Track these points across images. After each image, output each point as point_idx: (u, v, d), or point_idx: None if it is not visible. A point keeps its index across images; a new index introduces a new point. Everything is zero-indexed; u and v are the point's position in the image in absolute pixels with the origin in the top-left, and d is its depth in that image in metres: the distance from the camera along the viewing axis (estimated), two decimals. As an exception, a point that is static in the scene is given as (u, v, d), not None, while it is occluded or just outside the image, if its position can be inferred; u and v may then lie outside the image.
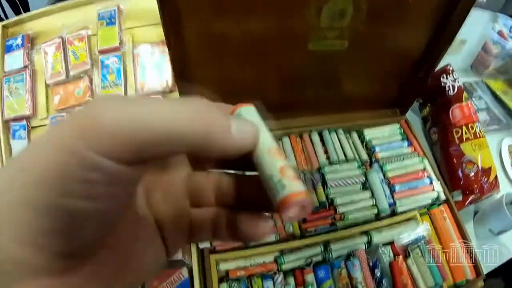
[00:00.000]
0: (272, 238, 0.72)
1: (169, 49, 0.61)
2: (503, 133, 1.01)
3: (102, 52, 0.92)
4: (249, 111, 0.22)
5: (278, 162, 0.19)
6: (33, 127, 0.91)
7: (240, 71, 0.70)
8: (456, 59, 0.96)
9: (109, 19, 0.94)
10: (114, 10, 0.94)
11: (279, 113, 0.81)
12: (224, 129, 0.18)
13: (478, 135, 0.88)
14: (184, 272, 0.76)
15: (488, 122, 1.01)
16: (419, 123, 0.98)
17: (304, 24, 0.63)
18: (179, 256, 0.76)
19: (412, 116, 0.93)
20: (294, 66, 0.72)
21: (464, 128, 0.88)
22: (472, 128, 0.89)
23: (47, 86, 0.93)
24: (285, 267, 0.70)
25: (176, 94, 0.84)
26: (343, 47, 0.69)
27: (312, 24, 0.63)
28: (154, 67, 0.91)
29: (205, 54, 0.66)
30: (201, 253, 0.72)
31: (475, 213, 0.88)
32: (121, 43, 0.93)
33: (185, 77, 0.68)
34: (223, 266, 0.70)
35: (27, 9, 1.48)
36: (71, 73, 0.92)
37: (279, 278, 0.69)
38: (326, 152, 0.81)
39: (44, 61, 0.94)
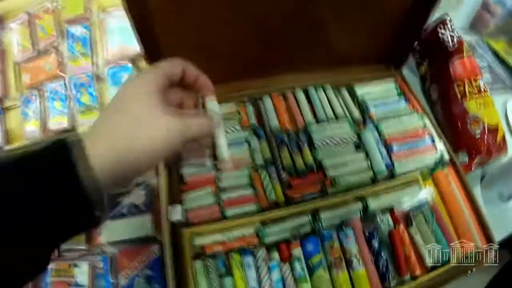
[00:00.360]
0: (252, 207, 0.59)
1: (129, 14, 0.51)
2: (507, 94, 0.89)
3: (69, 22, 0.85)
4: (213, 104, 0.43)
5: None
6: (5, 108, 0.83)
7: (213, 32, 0.58)
8: (454, 16, 0.84)
9: None
10: None
11: (259, 72, 0.69)
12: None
13: (482, 91, 0.76)
14: (156, 249, 0.64)
15: (491, 82, 0.89)
16: (417, 84, 0.85)
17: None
18: (149, 232, 0.64)
19: (410, 77, 0.81)
20: (275, 18, 0.60)
21: (466, 82, 0.76)
22: (476, 83, 0.76)
23: (16, 64, 0.85)
24: (267, 240, 0.58)
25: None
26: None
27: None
28: (122, 33, 0.81)
29: (171, 16, 0.55)
30: (173, 227, 0.59)
31: (482, 177, 0.76)
32: (88, 11, 0.84)
33: (152, 45, 0.57)
34: (198, 241, 0.58)
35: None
36: (40, 48, 0.84)
37: (261, 253, 0.56)
38: (313, 111, 0.68)
39: (12, 39, 0.86)
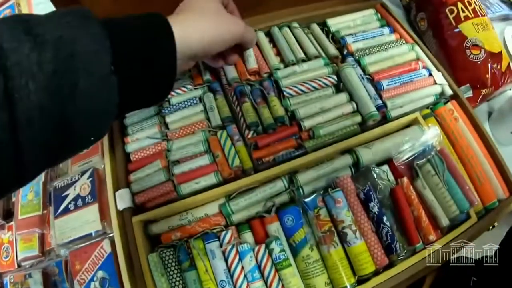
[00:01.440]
0: (211, 179, 0.41)
1: None
2: (502, 23, 0.70)
3: None
4: None
5: None
6: None
7: None
8: None
9: None
10: None
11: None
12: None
13: (478, 13, 0.57)
14: (106, 245, 0.46)
15: (484, 9, 0.69)
16: (401, 17, 0.65)
17: None
18: (97, 226, 0.46)
19: (391, 8, 0.61)
20: None
21: (459, 4, 0.57)
22: (470, 4, 0.57)
23: None
24: (236, 218, 0.40)
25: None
26: None
27: None
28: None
29: None
30: (122, 216, 0.41)
31: (489, 113, 0.57)
32: None
33: None
34: (153, 229, 0.40)
35: None
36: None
37: (227, 235, 0.38)
38: (278, 54, 0.49)
39: None
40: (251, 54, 0.48)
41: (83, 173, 0.49)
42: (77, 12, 0.23)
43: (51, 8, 0.42)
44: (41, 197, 0.48)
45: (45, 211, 0.48)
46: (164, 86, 0.31)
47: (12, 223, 0.51)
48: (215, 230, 0.40)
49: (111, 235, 0.45)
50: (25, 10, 0.63)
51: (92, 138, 0.25)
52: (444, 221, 0.41)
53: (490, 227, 0.47)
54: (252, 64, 0.47)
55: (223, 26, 0.35)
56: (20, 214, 0.49)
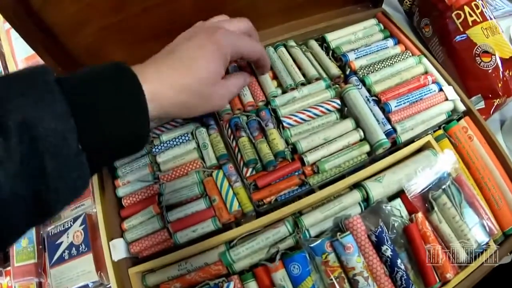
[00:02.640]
0: (209, 226, 0.34)
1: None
2: (508, 19, 0.61)
3: None
4: None
5: None
6: None
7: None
8: None
9: None
10: None
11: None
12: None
13: (487, 16, 0.48)
14: (104, 299, 0.40)
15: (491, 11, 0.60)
16: (403, 22, 0.57)
17: None
18: (94, 277, 0.40)
19: (391, 14, 0.52)
20: None
21: (466, 8, 0.48)
22: (477, 7, 0.48)
23: None
24: (238, 266, 0.34)
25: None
26: None
27: None
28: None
29: None
30: (119, 266, 0.35)
31: (502, 123, 0.50)
32: None
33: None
34: (152, 279, 0.34)
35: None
36: None
37: (230, 286, 0.32)
38: (275, 78, 0.41)
39: None
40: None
41: (75, 219, 0.42)
42: (39, 82, 0.20)
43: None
44: (35, 244, 0.42)
45: (40, 260, 0.42)
46: (138, 144, 0.26)
47: (10, 268, 0.45)
48: (216, 281, 0.34)
49: (108, 286, 0.39)
50: (5, 44, 0.56)
51: (70, 202, 0.23)
52: (462, 256, 0.35)
53: (510, 252, 0.41)
54: (248, 97, 0.39)
55: (203, 99, 0.29)
56: (16, 261, 0.43)
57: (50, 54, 0.36)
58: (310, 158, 0.36)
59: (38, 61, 0.52)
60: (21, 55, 0.55)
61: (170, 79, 0.26)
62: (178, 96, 0.27)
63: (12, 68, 0.54)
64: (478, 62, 0.47)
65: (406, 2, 0.55)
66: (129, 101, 0.23)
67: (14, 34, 0.56)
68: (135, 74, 0.24)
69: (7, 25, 0.57)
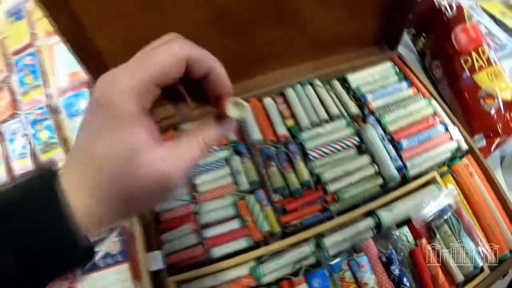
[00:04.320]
0: (242, 243, 0.45)
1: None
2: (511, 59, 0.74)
3: (16, 53, 0.69)
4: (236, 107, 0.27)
5: None
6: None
7: (157, 26, 0.42)
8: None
9: (17, 14, 0.72)
10: (21, 3, 0.72)
11: (230, 75, 0.53)
12: None
13: (492, 62, 0.61)
14: (140, 306, 0.50)
15: (494, 48, 0.73)
16: (415, 61, 0.69)
17: None
18: (129, 286, 0.50)
19: (406, 54, 0.65)
20: (240, 10, 0.45)
21: (473, 54, 0.61)
22: (484, 53, 0.61)
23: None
24: (265, 280, 0.44)
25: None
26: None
27: None
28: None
29: (104, 12, 0.41)
30: (155, 277, 0.45)
31: (502, 159, 0.62)
32: (33, 37, 0.69)
33: (91, 57, 0.44)
34: None
35: None
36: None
37: (260, 296, 0.43)
38: (292, 116, 0.53)
39: None
40: (277, 115, 0.52)
41: (111, 230, 0.53)
42: None
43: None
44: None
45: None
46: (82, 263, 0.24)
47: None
48: (247, 292, 0.45)
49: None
50: (46, 57, 0.66)
51: None
52: (459, 277, 0.46)
53: (502, 276, 0.52)
54: (282, 129, 0.50)
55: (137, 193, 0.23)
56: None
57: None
58: (332, 187, 0.47)
59: (81, 77, 0.63)
60: (64, 70, 0.65)
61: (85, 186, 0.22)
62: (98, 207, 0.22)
63: (52, 83, 0.65)
64: (482, 104, 0.59)
65: (419, 43, 0.68)
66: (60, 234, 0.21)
67: (57, 50, 0.66)
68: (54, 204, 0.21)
69: (51, 41, 0.68)
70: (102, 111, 0.22)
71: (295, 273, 0.44)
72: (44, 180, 0.22)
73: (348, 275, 0.43)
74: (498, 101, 0.59)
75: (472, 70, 0.60)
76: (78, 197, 0.22)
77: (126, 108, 0.22)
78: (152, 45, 0.24)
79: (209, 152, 0.34)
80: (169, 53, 0.23)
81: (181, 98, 0.28)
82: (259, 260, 0.45)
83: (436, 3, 0.64)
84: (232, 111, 0.25)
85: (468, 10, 0.73)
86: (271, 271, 0.44)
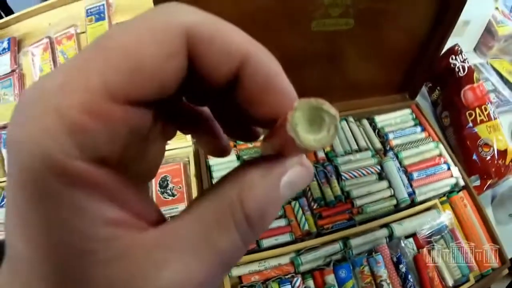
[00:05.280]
0: (286, 238, 0.63)
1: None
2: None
3: None
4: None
5: None
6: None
7: None
8: (459, 40, 0.88)
9: (98, 15, 0.87)
10: (103, 5, 0.86)
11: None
12: None
13: (492, 117, 0.81)
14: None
15: (497, 103, 0.94)
16: (428, 108, 0.90)
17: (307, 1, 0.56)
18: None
19: (421, 101, 0.85)
20: (296, 49, 0.64)
21: (477, 110, 0.81)
22: (486, 110, 0.81)
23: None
24: (302, 268, 0.62)
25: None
26: (348, 26, 0.62)
27: (314, 0, 0.56)
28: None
29: None
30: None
31: (493, 197, 0.81)
32: None
33: None
34: (235, 272, 0.62)
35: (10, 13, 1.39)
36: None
37: (298, 281, 0.61)
38: (339, 143, 0.73)
39: (32, 63, 0.86)
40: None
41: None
42: None
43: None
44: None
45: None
46: None
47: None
48: (287, 277, 0.63)
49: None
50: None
51: None
52: (450, 282, 0.64)
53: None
54: (321, 153, 0.70)
55: None
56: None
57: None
58: (358, 202, 0.66)
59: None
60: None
61: None
62: None
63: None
64: (480, 151, 0.79)
65: (434, 95, 0.88)
66: None
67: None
68: None
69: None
70: (20, 178, 0.12)
71: (326, 265, 0.63)
72: None
73: (366, 269, 0.62)
74: (494, 149, 0.78)
75: (475, 122, 0.80)
76: None
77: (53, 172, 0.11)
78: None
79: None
80: (147, 26, 0.12)
81: (202, 120, 0.19)
82: (298, 252, 0.64)
83: (451, 64, 0.85)
84: (304, 135, 0.14)
85: (477, 71, 0.95)
86: (307, 261, 0.62)
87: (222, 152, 0.20)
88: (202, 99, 0.17)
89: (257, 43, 0.14)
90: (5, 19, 0.93)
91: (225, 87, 0.14)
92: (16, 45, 0.88)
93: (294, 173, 0.16)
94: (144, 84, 0.12)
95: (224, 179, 0.15)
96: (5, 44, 0.88)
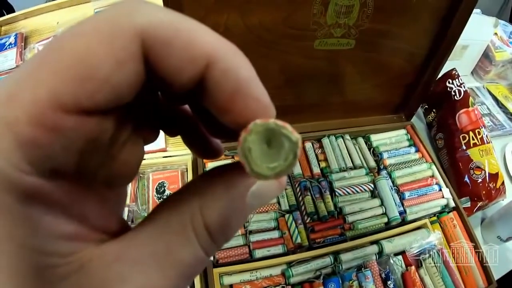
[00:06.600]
0: (279, 249, 0.69)
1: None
2: (506, 138, 1.01)
3: None
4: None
5: None
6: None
7: None
8: (457, 64, 0.96)
9: None
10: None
11: (280, 118, 0.79)
12: None
13: (485, 141, 0.88)
14: None
15: (491, 127, 1.01)
16: (423, 130, 0.97)
17: (310, 19, 0.62)
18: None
19: (417, 122, 0.92)
20: (299, 66, 0.70)
21: (471, 133, 0.88)
22: (479, 133, 0.88)
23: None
24: (293, 280, 0.67)
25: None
26: (349, 47, 0.68)
27: (318, 20, 0.62)
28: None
29: None
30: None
31: (482, 219, 0.87)
32: None
33: None
34: (227, 280, 0.67)
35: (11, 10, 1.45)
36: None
37: (287, 292, 0.66)
38: (325, 159, 0.79)
39: None
40: (314, 157, 0.78)
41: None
42: None
43: None
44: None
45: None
46: None
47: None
48: (277, 287, 0.68)
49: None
50: None
51: None
52: (436, 301, 0.70)
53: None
54: (317, 168, 0.76)
55: None
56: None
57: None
58: (350, 219, 0.71)
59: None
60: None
61: None
62: None
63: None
64: (471, 174, 0.85)
65: (429, 117, 0.95)
66: None
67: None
68: None
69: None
70: None
71: (316, 278, 0.68)
72: None
73: (355, 284, 0.67)
74: (485, 173, 0.85)
75: (468, 145, 0.87)
76: None
77: None
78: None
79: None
80: (98, 29, 0.12)
81: (184, 120, 0.20)
82: (290, 264, 0.69)
83: (448, 87, 0.92)
84: (257, 163, 0.14)
85: (473, 95, 1.03)
86: (298, 273, 0.68)
87: (212, 153, 0.20)
88: (175, 100, 0.17)
89: (226, 44, 0.14)
90: (13, 14, 0.99)
91: (194, 89, 0.14)
92: (23, 41, 0.93)
93: (265, 184, 0.16)
94: (95, 93, 0.12)
95: (188, 186, 0.17)
96: (12, 39, 0.92)
